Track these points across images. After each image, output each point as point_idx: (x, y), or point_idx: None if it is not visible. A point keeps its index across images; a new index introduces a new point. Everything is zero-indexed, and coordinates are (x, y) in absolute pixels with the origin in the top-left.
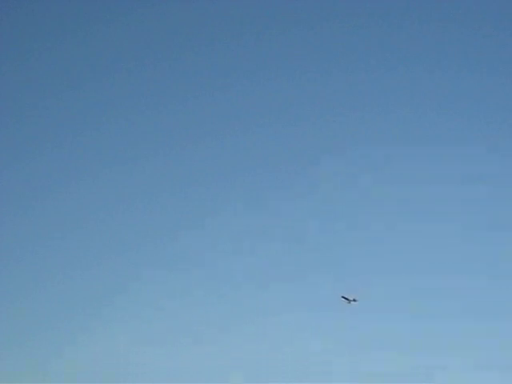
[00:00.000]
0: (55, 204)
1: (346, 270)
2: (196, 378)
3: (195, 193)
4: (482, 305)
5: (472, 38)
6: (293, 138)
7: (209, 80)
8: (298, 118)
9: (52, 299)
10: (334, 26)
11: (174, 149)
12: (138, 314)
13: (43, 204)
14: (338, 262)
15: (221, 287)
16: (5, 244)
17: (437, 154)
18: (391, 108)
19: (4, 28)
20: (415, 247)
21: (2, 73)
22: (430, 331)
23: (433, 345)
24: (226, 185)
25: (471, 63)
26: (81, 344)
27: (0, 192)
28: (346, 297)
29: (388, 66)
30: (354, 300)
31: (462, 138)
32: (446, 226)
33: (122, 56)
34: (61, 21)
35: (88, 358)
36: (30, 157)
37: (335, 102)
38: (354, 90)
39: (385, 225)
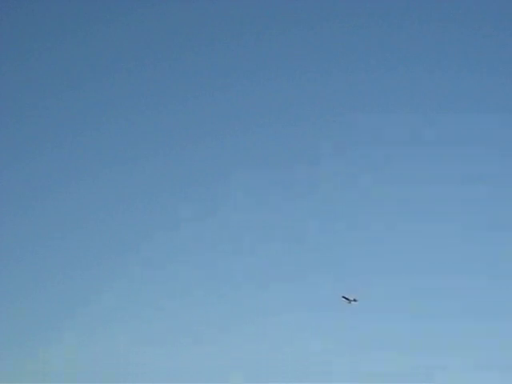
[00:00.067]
0: (55, 204)
1: (345, 270)
2: (196, 378)
3: (195, 193)
4: (482, 305)
5: (472, 38)
6: (293, 137)
7: (209, 80)
8: (297, 117)
9: (52, 299)
10: (334, 26)
11: (173, 148)
12: (137, 314)
13: (43, 204)
14: (337, 262)
15: (221, 287)
16: (5, 244)
17: (437, 154)
18: (391, 108)
19: (4, 28)
20: (415, 247)
21: (2, 73)
22: (430, 331)
23: (433, 345)
24: (225, 185)
25: (471, 63)
26: (81, 344)
27: (0, 192)
28: (347, 297)
29: (388, 65)
30: (355, 300)
31: (462, 137)
32: (446, 226)
33: (122, 56)
34: (61, 21)
35: (88, 358)
36: (29, 157)
37: (335, 101)
38: (354, 89)
39: (385, 225)
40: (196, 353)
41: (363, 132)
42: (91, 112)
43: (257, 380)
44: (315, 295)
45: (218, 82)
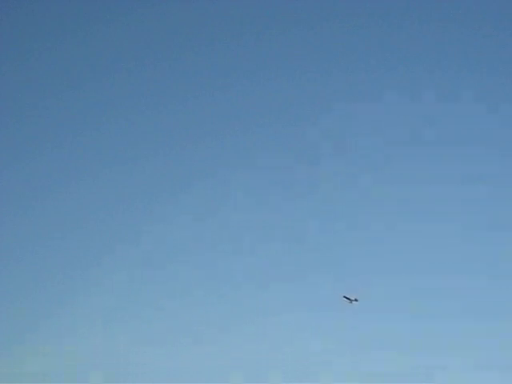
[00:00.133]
0: (55, 204)
1: (346, 270)
2: (196, 378)
3: (195, 192)
4: (482, 305)
5: (472, 38)
6: (292, 137)
7: (209, 80)
8: (297, 117)
9: (51, 299)
10: (334, 26)
11: (173, 148)
12: (137, 314)
13: (43, 204)
14: (338, 262)
15: (221, 287)
16: (5, 244)
17: (437, 154)
18: (391, 108)
19: (4, 28)
20: (415, 247)
21: (2, 73)
22: (430, 331)
23: (433, 345)
24: (225, 185)
25: (471, 63)
26: (81, 344)
27: (0, 192)
28: (348, 296)
29: (388, 65)
30: (356, 300)
31: (462, 137)
32: (446, 226)
33: (122, 56)
34: (61, 21)
35: (88, 358)
36: (29, 157)
37: (335, 101)
38: (354, 89)
39: (385, 225)
40: (196, 353)
41: (363, 132)
42: (91, 112)
43: (257, 380)
44: (315, 295)
45: (218, 82)
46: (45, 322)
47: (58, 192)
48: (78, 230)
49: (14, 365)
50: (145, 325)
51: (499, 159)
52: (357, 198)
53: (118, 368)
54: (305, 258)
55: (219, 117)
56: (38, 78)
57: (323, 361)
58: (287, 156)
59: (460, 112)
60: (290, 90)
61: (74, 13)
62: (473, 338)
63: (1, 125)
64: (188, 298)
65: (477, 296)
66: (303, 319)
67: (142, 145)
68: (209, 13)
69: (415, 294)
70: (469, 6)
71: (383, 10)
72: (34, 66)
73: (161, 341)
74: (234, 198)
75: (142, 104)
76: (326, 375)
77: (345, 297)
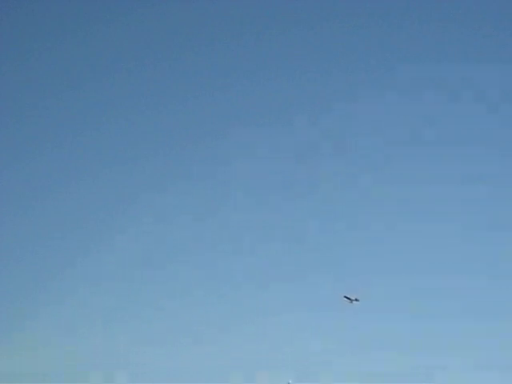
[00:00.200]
0: (55, 204)
1: (346, 270)
2: (196, 378)
3: (195, 192)
4: (482, 305)
5: (472, 38)
6: (292, 137)
7: (209, 80)
8: (297, 117)
9: (51, 298)
10: (334, 26)
11: (173, 148)
12: (137, 314)
13: (43, 204)
14: (338, 262)
15: (221, 287)
16: (5, 244)
17: (437, 154)
18: (391, 108)
19: (4, 28)
20: (415, 247)
21: (2, 73)
22: (430, 331)
23: (433, 345)
24: (225, 185)
25: (471, 62)
26: (81, 344)
27: (0, 192)
28: (348, 296)
29: (388, 65)
30: (356, 300)
31: (462, 137)
32: (446, 226)
33: (122, 56)
34: (61, 21)
35: (88, 358)
36: (30, 157)
37: (335, 102)
38: (354, 89)
39: (385, 225)
40: (196, 353)
41: (363, 132)
42: (91, 112)
43: (257, 380)
44: (315, 295)
45: (218, 82)
46: (45, 321)
47: (58, 192)
48: (77, 230)
49: (14, 365)
50: (145, 325)
51: (499, 159)
52: (357, 197)
53: (118, 368)
54: (305, 258)
55: (219, 116)
56: (38, 78)
57: (323, 361)
58: (287, 156)
59: (460, 112)
60: (290, 89)
61: (74, 13)
62: (473, 338)
63: (1, 125)
64: (188, 298)
65: (477, 296)
66: (303, 319)
67: (142, 145)
68: (209, 13)
69: (415, 294)
70: (469, 6)
71: (383, 10)
72: (34, 66)
73: (161, 341)
74: (234, 198)
75: (142, 104)
76: (326, 375)
77: (345, 297)
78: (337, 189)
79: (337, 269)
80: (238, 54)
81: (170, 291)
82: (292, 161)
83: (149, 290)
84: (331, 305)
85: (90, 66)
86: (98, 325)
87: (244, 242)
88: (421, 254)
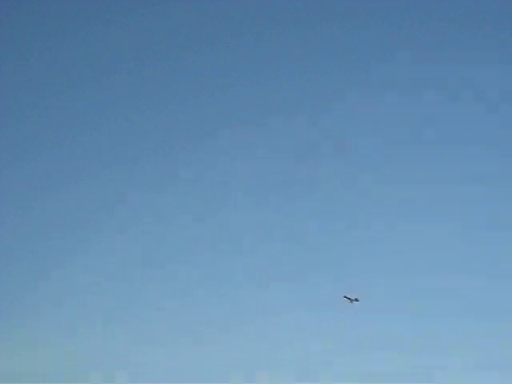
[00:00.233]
0: (55, 204)
1: (346, 270)
2: (196, 378)
3: (195, 192)
4: (482, 305)
5: (472, 38)
6: (292, 137)
7: (209, 80)
8: (297, 117)
9: (51, 298)
10: (334, 26)
11: (173, 148)
12: (137, 314)
13: (43, 204)
14: (338, 262)
15: (221, 287)
16: (5, 244)
17: (437, 154)
18: (391, 108)
19: (4, 28)
20: (415, 247)
21: (2, 73)
22: (430, 331)
23: (433, 345)
24: (225, 185)
25: (471, 62)
26: (81, 344)
27: (0, 192)
28: (349, 296)
29: (388, 65)
30: (357, 300)
31: (462, 137)
32: (446, 226)
33: (122, 56)
34: (61, 21)
35: (88, 358)
36: (29, 157)
37: (335, 102)
38: (354, 89)
39: (385, 225)
40: (196, 353)
41: (363, 132)
42: (91, 112)
43: (257, 380)
44: (315, 295)
45: (218, 82)
46: (45, 321)
47: (58, 192)
48: (77, 230)
49: (14, 365)
50: (145, 325)
51: (499, 159)
52: (357, 197)
53: (118, 368)
54: (305, 258)
55: (219, 116)
56: (38, 78)
57: (323, 361)
58: (287, 156)
59: (460, 112)
60: (290, 89)
61: (74, 13)
62: (473, 338)
63: (1, 125)
64: (188, 297)
65: (477, 296)
66: (303, 319)
67: (142, 145)
68: (209, 13)
69: (415, 294)
70: (469, 6)
71: (383, 10)
72: (34, 66)
73: (161, 341)
74: (234, 198)
75: (142, 104)
76: (326, 375)
77: (345, 297)
78: (337, 189)
79: (337, 269)
80: (237, 53)
81: (169, 291)
82: (292, 161)
83: (149, 290)
84: (331, 305)
85: (90, 66)
86: (97, 325)
87: (244, 241)
88: (421, 253)
